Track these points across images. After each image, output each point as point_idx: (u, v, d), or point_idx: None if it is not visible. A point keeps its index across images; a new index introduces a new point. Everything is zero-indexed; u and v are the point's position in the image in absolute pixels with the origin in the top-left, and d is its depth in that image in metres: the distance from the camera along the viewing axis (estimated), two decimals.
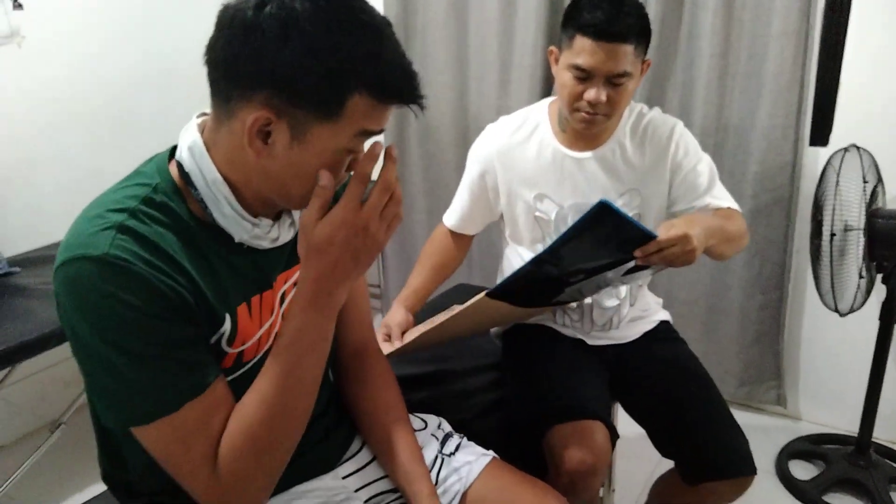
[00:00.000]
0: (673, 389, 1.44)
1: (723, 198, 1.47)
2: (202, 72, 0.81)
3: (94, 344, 0.77)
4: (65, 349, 0.92)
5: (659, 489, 1.57)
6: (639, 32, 1.32)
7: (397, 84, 0.80)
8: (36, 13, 2.19)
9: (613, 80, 1.32)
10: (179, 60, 2.54)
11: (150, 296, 0.77)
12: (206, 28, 0.81)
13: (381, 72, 0.78)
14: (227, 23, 0.78)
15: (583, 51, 1.31)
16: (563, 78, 1.36)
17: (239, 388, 0.92)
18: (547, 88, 2.35)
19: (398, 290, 2.81)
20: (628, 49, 1.30)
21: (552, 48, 1.45)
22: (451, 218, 1.67)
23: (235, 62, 0.77)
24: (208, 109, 0.87)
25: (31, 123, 2.25)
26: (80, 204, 0.84)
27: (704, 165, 1.47)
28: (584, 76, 1.33)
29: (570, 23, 1.34)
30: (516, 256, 1.58)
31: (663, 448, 1.46)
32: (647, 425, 1.49)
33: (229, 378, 0.91)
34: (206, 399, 0.81)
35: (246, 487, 0.84)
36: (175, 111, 2.52)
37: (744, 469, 1.34)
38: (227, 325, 0.88)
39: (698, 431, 1.38)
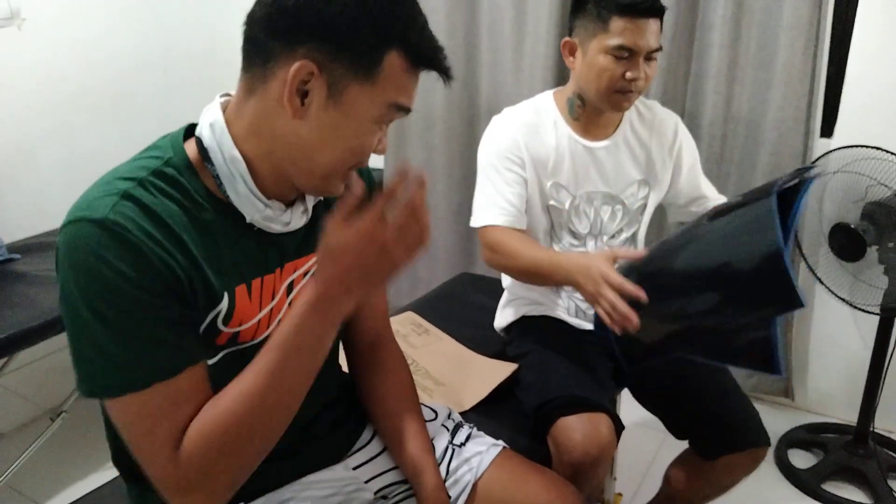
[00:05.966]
0: (683, 369, 1.46)
1: (713, 192, 1.61)
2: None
3: (79, 307, 0.76)
4: (66, 337, 0.88)
5: (675, 472, 1.57)
6: (662, 7, 1.37)
7: (431, 49, 0.84)
8: None
9: (650, 56, 1.37)
10: (180, 41, 2.48)
11: (142, 267, 0.76)
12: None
13: (417, 35, 0.82)
14: None
15: (625, 30, 1.33)
16: (601, 63, 1.36)
17: (229, 368, 0.88)
18: (559, 77, 2.31)
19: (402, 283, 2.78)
20: (658, 24, 1.36)
21: (567, 39, 1.43)
22: (501, 215, 1.45)
23: (281, 15, 0.79)
24: (219, 91, 0.89)
25: (31, 107, 2.22)
26: (80, 189, 0.82)
27: (698, 163, 1.59)
28: (628, 55, 1.34)
29: (602, 6, 1.34)
30: None
31: (678, 428, 1.49)
32: (658, 408, 1.52)
33: (221, 354, 0.89)
34: (176, 383, 0.79)
35: (204, 481, 0.80)
36: (176, 92, 2.49)
37: (759, 440, 1.40)
38: (225, 304, 0.87)
39: (712, 407, 1.42)
